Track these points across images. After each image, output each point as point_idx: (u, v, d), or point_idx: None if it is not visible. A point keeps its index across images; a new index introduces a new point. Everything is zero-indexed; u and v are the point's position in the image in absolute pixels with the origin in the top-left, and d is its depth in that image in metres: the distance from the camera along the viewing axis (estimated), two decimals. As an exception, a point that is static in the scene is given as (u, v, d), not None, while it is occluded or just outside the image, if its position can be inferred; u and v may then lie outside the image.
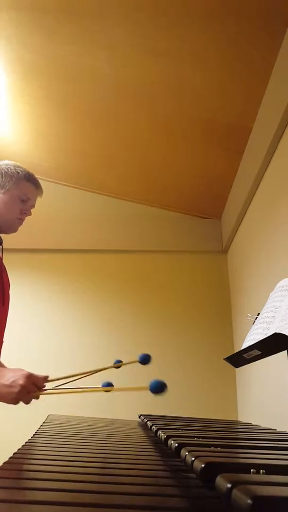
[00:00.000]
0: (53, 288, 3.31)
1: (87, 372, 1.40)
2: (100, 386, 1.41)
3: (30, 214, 1.54)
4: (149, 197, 3.41)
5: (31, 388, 1.21)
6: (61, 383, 1.35)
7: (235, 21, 1.86)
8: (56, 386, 1.34)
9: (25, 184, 1.52)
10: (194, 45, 2.02)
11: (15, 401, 1.21)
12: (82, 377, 1.40)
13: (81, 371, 1.38)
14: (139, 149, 2.91)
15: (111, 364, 1.49)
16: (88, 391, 1.45)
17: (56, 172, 3.29)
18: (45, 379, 1.30)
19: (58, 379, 1.34)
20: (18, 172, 1.51)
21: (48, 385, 1.32)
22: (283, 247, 2.02)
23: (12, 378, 1.21)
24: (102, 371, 1.43)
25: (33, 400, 1.32)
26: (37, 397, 1.35)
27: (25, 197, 1.51)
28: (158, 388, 1.18)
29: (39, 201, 1.57)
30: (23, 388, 1.19)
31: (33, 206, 1.56)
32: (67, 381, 1.35)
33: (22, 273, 3.22)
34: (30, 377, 1.22)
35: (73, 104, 2.63)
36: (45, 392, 1.28)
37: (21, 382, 1.20)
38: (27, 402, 1.22)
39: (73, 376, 1.35)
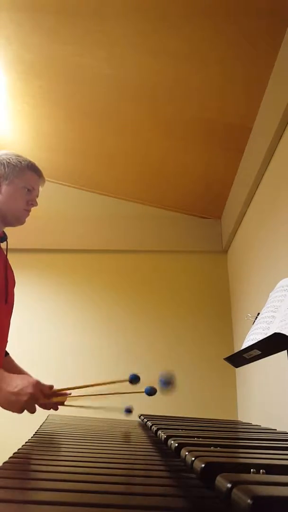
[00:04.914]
0: (52, 288, 3.31)
1: (97, 384, 1.39)
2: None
3: (36, 204, 1.50)
4: (149, 197, 3.41)
5: (39, 396, 1.19)
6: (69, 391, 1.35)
7: (235, 21, 1.86)
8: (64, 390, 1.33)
9: (29, 174, 1.47)
10: (194, 45, 2.02)
11: (21, 410, 1.18)
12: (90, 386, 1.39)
13: (90, 383, 1.37)
14: (139, 149, 2.91)
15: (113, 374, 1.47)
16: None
17: (56, 172, 3.29)
18: (51, 388, 1.29)
19: (63, 390, 1.34)
20: (20, 162, 1.47)
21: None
22: (283, 247, 2.02)
23: (20, 385, 1.18)
24: (113, 383, 1.42)
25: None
26: (56, 408, 1.35)
27: (30, 187, 1.47)
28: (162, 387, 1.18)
29: (39, 201, 1.56)
30: (32, 396, 1.16)
31: (37, 196, 1.52)
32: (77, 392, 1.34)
33: (21, 273, 3.20)
34: (38, 385, 1.19)
35: (73, 104, 2.63)
36: (55, 400, 1.27)
37: (29, 390, 1.17)
38: (32, 411, 1.20)
39: (80, 387, 1.34)
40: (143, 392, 1.42)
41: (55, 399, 1.30)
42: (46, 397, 1.23)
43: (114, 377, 1.46)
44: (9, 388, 1.17)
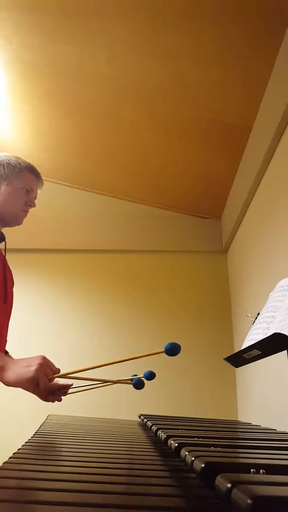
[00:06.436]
0: (52, 288, 3.31)
1: (100, 380, 1.40)
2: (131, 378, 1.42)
3: (34, 205, 1.53)
4: (149, 197, 3.41)
5: (47, 369, 1.20)
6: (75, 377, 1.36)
7: (235, 21, 1.86)
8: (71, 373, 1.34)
9: (28, 175, 1.50)
10: (194, 45, 2.02)
11: (33, 383, 1.18)
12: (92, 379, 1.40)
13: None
14: (139, 149, 2.91)
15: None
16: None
17: (56, 172, 3.29)
18: (58, 370, 1.29)
19: (70, 373, 1.34)
20: (20, 163, 1.49)
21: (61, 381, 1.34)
22: (283, 247, 2.02)
23: (27, 361, 1.20)
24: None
25: (50, 402, 1.34)
26: (60, 399, 1.36)
27: (29, 188, 1.49)
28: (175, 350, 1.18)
29: (39, 201, 1.57)
30: (41, 366, 1.17)
31: (35, 197, 1.55)
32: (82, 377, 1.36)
33: (21, 273, 3.21)
34: (45, 358, 1.21)
35: (73, 104, 2.63)
36: (63, 374, 1.26)
37: (37, 361, 1.18)
38: (44, 384, 1.20)
39: (85, 370, 1.35)
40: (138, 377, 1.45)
41: (62, 374, 1.29)
42: (54, 372, 1.23)
43: (114, 377, 1.47)
44: (17, 365, 1.19)
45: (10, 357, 1.55)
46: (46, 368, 1.19)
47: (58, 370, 1.25)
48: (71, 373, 1.28)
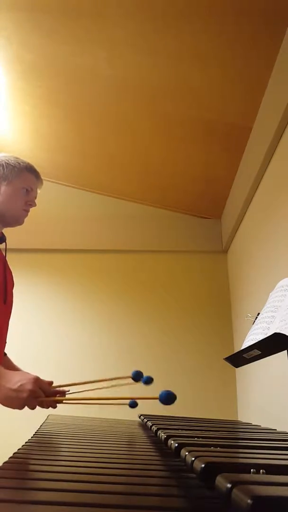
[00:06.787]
0: (52, 288, 3.31)
1: (93, 381, 1.41)
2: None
3: (35, 204, 1.53)
4: (149, 197, 3.41)
5: (38, 393, 1.20)
6: (67, 389, 1.36)
7: (235, 21, 1.86)
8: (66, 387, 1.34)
9: (27, 175, 1.50)
10: (194, 45, 2.02)
11: (21, 407, 1.20)
12: (88, 383, 1.40)
13: (90, 380, 1.39)
14: (139, 149, 2.91)
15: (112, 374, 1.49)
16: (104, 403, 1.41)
17: (56, 172, 3.29)
18: (50, 384, 1.30)
19: (63, 386, 1.34)
20: (19, 163, 1.49)
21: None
22: (283, 247, 2.02)
23: (19, 382, 1.19)
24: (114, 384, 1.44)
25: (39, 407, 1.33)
26: (55, 407, 1.36)
27: (28, 188, 1.49)
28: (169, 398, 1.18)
29: (39, 201, 1.57)
30: (31, 393, 1.18)
31: (35, 197, 1.54)
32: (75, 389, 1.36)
33: (21, 273, 3.21)
34: (37, 382, 1.21)
35: (73, 104, 2.63)
36: (55, 398, 1.28)
37: (29, 387, 1.18)
38: (33, 407, 1.21)
39: (80, 384, 1.35)
40: (139, 382, 1.45)
41: (53, 398, 1.30)
42: (46, 394, 1.23)
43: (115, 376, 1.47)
44: (9, 385, 1.18)
45: (8, 360, 1.55)
46: (37, 392, 1.20)
47: (51, 384, 1.25)
48: (61, 392, 1.29)
